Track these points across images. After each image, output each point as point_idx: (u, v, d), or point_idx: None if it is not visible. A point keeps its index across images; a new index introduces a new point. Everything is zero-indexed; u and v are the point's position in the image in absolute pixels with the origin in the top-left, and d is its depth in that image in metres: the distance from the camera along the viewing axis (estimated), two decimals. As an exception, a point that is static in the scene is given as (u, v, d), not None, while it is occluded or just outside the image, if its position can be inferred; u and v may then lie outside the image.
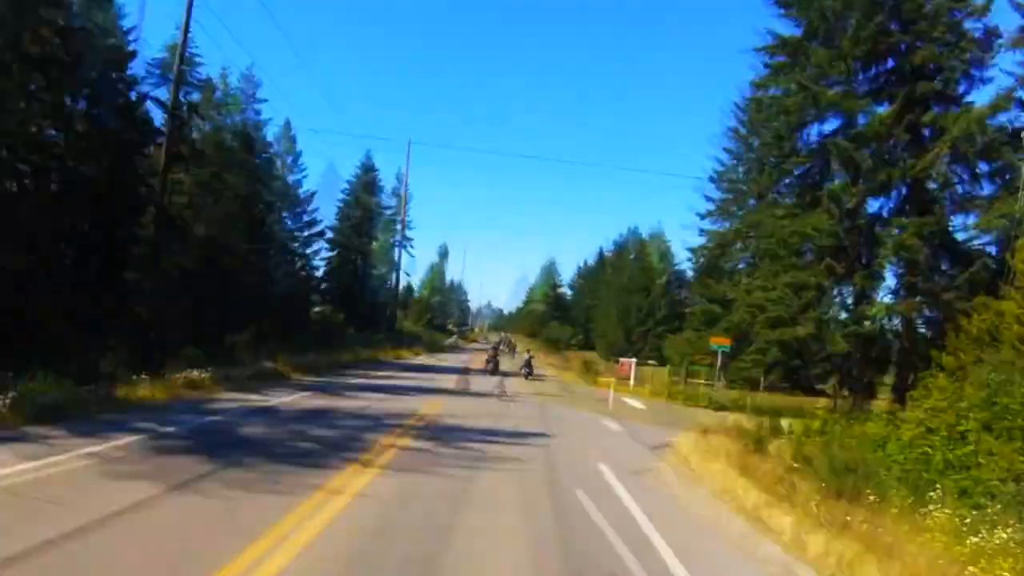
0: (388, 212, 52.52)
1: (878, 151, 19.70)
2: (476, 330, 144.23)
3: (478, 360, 40.90)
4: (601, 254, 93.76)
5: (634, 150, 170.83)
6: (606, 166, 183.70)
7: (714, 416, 19.01)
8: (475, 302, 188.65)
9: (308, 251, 41.64)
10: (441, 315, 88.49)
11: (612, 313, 71.29)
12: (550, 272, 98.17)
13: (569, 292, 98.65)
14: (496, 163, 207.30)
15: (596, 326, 78.24)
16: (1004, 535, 6.03)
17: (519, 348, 69.04)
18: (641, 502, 8.62)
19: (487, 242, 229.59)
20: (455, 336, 74.81)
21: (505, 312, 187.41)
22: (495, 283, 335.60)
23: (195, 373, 15.51)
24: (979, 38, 19.37)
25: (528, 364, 32.74)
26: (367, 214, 48.89)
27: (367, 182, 49.58)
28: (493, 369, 31.24)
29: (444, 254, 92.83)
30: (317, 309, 39.98)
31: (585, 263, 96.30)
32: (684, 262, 68.74)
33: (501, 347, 44.84)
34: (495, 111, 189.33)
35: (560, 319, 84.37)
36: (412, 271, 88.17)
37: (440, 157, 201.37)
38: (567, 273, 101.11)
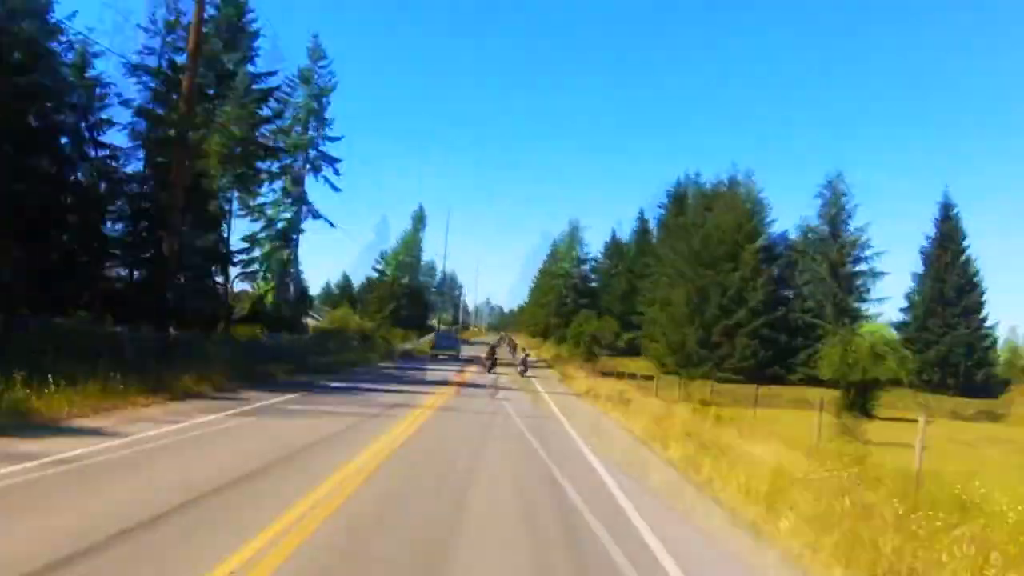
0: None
1: None
2: (473, 329, 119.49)
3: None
4: (641, 220, 67.81)
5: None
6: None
7: None
8: (473, 300, 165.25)
9: None
10: (414, 306, 62.23)
11: (678, 298, 45.43)
12: (572, 239, 70.16)
13: (593, 279, 72.44)
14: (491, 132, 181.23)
15: (646, 322, 52.41)
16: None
17: (522, 350, 46.13)
18: None
19: (485, 233, 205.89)
20: (433, 335, 48.95)
21: (506, 310, 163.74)
22: (493, 281, 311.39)
23: None
24: None
25: (524, 363, 34.13)
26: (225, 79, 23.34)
27: (231, 20, 24.01)
28: (491, 367, 32.47)
29: (419, 219, 66.61)
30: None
31: (613, 237, 70.47)
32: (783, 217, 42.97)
33: (500, 343, 44.07)
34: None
35: (589, 308, 58.22)
36: (385, 246, 62.06)
37: (423, 125, 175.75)
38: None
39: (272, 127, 28.16)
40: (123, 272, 23.27)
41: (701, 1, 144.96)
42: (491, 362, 33.26)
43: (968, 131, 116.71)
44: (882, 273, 48.79)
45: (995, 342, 50.29)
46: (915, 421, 11.70)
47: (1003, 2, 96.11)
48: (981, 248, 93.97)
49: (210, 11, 25.54)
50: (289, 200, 31.72)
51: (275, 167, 28.89)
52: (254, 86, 24.62)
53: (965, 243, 49.10)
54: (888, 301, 50.93)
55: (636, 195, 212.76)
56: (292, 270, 31.23)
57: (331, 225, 33.05)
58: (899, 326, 50.99)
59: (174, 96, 21.11)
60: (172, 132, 18.22)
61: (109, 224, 22.47)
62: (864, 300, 47.47)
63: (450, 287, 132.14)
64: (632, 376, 33.42)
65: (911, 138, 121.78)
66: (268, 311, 29.58)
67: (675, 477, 9.73)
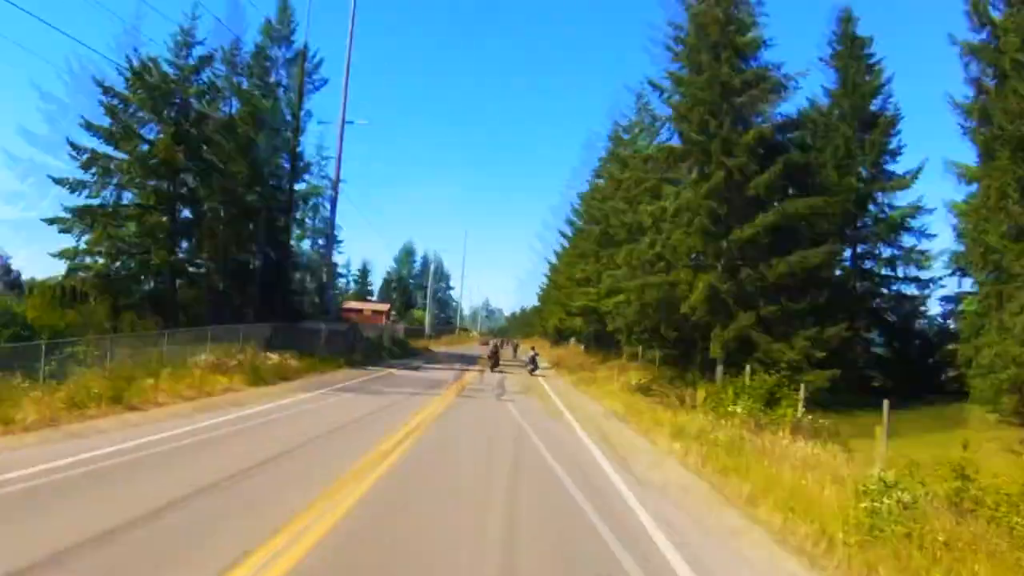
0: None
1: None
2: (461, 333, 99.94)
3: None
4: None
5: None
6: None
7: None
8: (469, 302, 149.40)
9: None
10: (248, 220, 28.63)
11: None
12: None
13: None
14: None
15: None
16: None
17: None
18: None
19: (481, 241, 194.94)
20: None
21: (506, 313, 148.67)
22: (492, 287, 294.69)
23: None
24: None
25: (533, 360, 31.75)
26: None
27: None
28: (494, 365, 30.92)
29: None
30: None
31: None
32: None
33: (503, 345, 43.48)
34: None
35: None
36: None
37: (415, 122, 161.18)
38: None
39: None
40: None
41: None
42: (494, 361, 31.41)
43: None
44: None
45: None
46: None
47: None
48: None
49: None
50: None
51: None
52: None
53: None
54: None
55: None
56: None
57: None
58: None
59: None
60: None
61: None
62: None
63: (425, 270, 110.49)
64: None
65: None
66: None
67: None
